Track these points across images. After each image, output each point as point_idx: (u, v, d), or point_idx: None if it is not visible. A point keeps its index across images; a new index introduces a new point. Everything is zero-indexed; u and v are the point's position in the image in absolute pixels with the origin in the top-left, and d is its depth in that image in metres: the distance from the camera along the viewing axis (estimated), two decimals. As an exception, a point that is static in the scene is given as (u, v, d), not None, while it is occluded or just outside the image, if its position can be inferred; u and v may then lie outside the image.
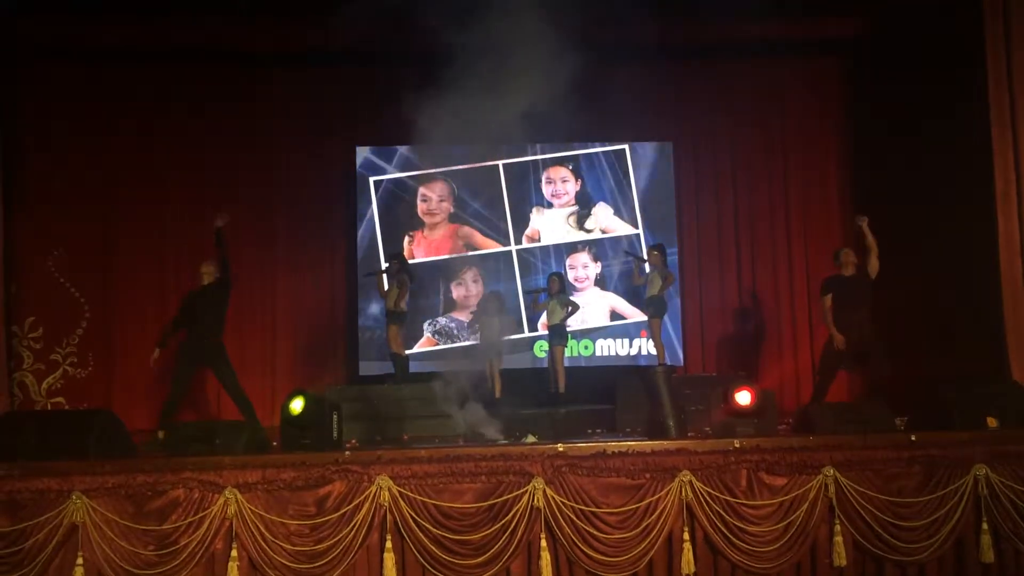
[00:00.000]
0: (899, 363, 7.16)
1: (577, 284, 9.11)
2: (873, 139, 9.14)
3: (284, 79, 9.17)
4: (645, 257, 8.29)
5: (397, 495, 5.12)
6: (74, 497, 4.98)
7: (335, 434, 6.03)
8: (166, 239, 9.01)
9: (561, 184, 9.34)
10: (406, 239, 9.16)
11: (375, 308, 8.90)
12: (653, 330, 8.12)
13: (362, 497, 5.10)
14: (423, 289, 8.92)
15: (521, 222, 9.25)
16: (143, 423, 8.02)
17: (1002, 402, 6.04)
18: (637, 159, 9.33)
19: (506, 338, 8.14)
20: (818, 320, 7.37)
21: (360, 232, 9.14)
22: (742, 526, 5.19)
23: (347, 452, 5.54)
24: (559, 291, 8.17)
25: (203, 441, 5.68)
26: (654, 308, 8.02)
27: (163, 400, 7.25)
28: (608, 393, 8.03)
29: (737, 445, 5.44)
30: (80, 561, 4.95)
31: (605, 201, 9.32)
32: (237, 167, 9.19)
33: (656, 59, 9.18)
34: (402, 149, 9.24)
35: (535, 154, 9.32)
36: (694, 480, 5.22)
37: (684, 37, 9.01)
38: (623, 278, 9.12)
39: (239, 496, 5.03)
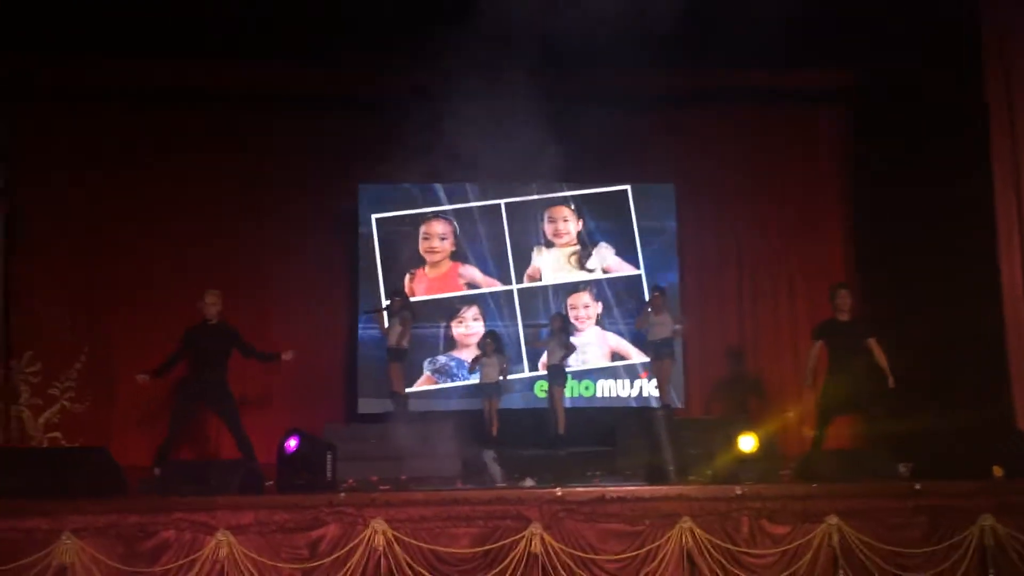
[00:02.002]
0: (902, 411, 7.08)
1: (578, 324, 9.06)
2: (873, 184, 9.16)
3: (286, 116, 9.19)
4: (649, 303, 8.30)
5: (392, 539, 5.05)
6: (64, 537, 4.91)
7: (329, 474, 5.95)
8: (166, 275, 8.99)
9: (563, 223, 9.34)
10: (407, 277, 9.14)
11: (376, 346, 8.84)
12: (662, 372, 8.09)
13: (356, 540, 5.03)
14: (424, 327, 8.88)
15: (522, 261, 9.22)
16: (141, 460, 7.92)
17: (1008, 451, 5.95)
18: (639, 200, 9.33)
19: (504, 378, 8.09)
20: (821, 365, 7.32)
21: (361, 269, 9.12)
22: (744, 576, 5.10)
23: (342, 494, 5.46)
24: (559, 331, 8.14)
25: (197, 481, 5.60)
26: (662, 350, 8.01)
27: (162, 437, 7.19)
28: (608, 435, 7.94)
29: (739, 492, 5.37)
30: (69, 602, 4.86)
31: (607, 241, 9.31)
32: (237, 203, 9.21)
33: (659, 104, 9.27)
34: (405, 187, 9.25)
35: (537, 193, 9.33)
36: (695, 527, 5.15)
37: (687, 84, 9.10)
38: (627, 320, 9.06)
39: (231, 538, 4.96)
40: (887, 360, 6.92)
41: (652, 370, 8.30)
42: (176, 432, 7.12)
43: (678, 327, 8.27)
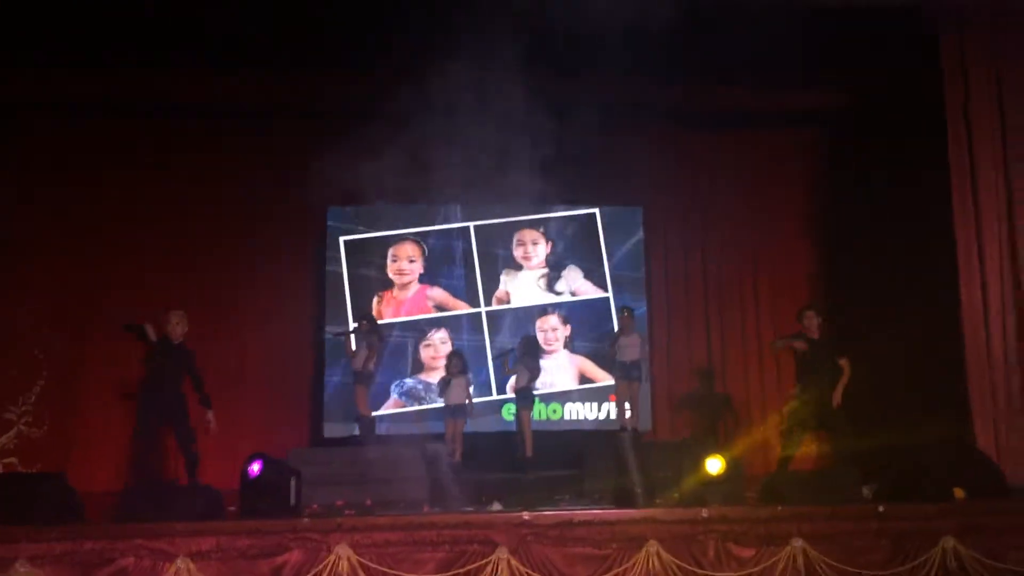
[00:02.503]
0: (867, 430, 7.15)
1: (546, 346, 9.06)
2: (842, 208, 9.29)
3: (254, 135, 9.15)
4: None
5: (357, 564, 4.98)
6: (18, 564, 4.79)
7: (293, 499, 5.86)
8: (131, 294, 8.86)
9: (532, 246, 9.36)
10: (375, 299, 9.10)
11: (341, 369, 8.77)
12: (631, 394, 8.10)
13: (320, 567, 4.96)
14: (391, 350, 8.82)
15: (491, 284, 9.23)
16: (99, 485, 7.79)
17: (968, 472, 6.02)
18: (608, 223, 9.38)
19: (469, 400, 8.04)
20: (787, 386, 7.38)
21: (328, 291, 9.06)
22: (710, 600, 5.09)
23: (306, 519, 5.38)
24: (527, 354, 8.12)
25: (156, 505, 5.50)
26: (631, 372, 8.02)
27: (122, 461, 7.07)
28: (576, 458, 7.91)
29: (705, 515, 5.36)
30: (21, 633, 4.74)
31: (575, 264, 9.33)
32: (205, 222, 9.12)
33: (629, 124, 9.33)
34: (372, 208, 9.23)
35: (506, 216, 9.35)
36: (661, 551, 5.14)
37: (657, 104, 9.16)
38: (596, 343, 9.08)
39: (191, 565, 4.87)
40: (846, 381, 7.02)
41: (619, 392, 8.29)
42: (147, 448, 7.01)
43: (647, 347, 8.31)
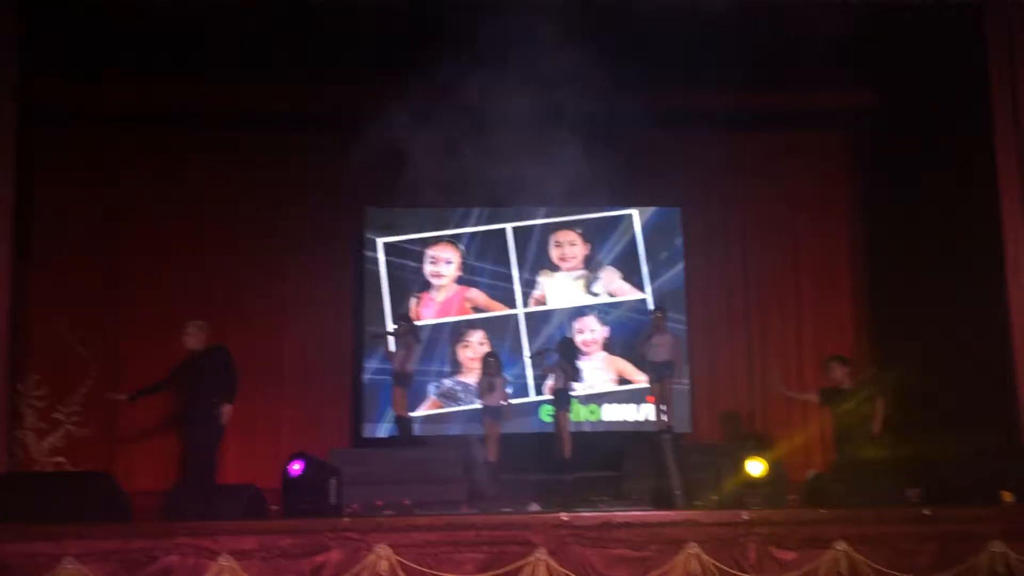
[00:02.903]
0: (912, 433, 7.03)
1: (585, 348, 9.04)
2: (883, 208, 9.15)
3: (294, 140, 9.25)
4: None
5: (396, 564, 4.99)
6: (66, 562, 4.88)
7: (333, 499, 5.91)
8: (173, 298, 9.01)
9: (569, 247, 9.35)
10: (413, 300, 9.15)
11: (380, 369, 8.83)
12: (664, 393, 8.05)
13: (359, 566, 4.98)
14: (429, 351, 8.87)
15: (529, 285, 9.23)
16: (145, 485, 7.92)
17: (1017, 476, 5.89)
18: (646, 224, 9.33)
19: (506, 402, 8.04)
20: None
21: (367, 293, 9.12)
22: (751, 603, 5.03)
23: (346, 518, 5.42)
24: (565, 355, 8.11)
25: (201, 505, 5.58)
26: (663, 371, 7.99)
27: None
28: (615, 459, 7.89)
29: (746, 517, 5.30)
30: (69, 629, 4.83)
31: (613, 265, 9.30)
32: (244, 227, 9.24)
33: (666, 126, 9.27)
34: (411, 210, 9.29)
35: (543, 217, 9.34)
36: (701, 553, 5.09)
37: (694, 106, 9.10)
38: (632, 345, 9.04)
39: (234, 564, 4.92)
40: (881, 417, 6.91)
41: (654, 393, 8.25)
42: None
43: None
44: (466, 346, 9.10)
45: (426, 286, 9.20)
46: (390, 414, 8.48)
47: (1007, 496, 5.69)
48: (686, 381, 8.95)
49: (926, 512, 5.36)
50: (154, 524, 5.36)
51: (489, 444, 7.85)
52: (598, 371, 9.05)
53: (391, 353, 8.25)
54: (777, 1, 7.24)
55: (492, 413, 7.96)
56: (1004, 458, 6.37)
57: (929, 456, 6.57)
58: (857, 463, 6.75)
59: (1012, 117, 7.12)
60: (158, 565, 4.93)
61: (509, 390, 8.18)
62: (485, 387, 8.04)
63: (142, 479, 8.06)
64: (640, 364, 8.86)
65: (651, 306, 9.08)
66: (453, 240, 9.28)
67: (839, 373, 7.12)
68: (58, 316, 8.65)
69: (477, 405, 8.54)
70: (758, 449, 6.59)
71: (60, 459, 8.51)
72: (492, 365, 8.09)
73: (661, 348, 8.18)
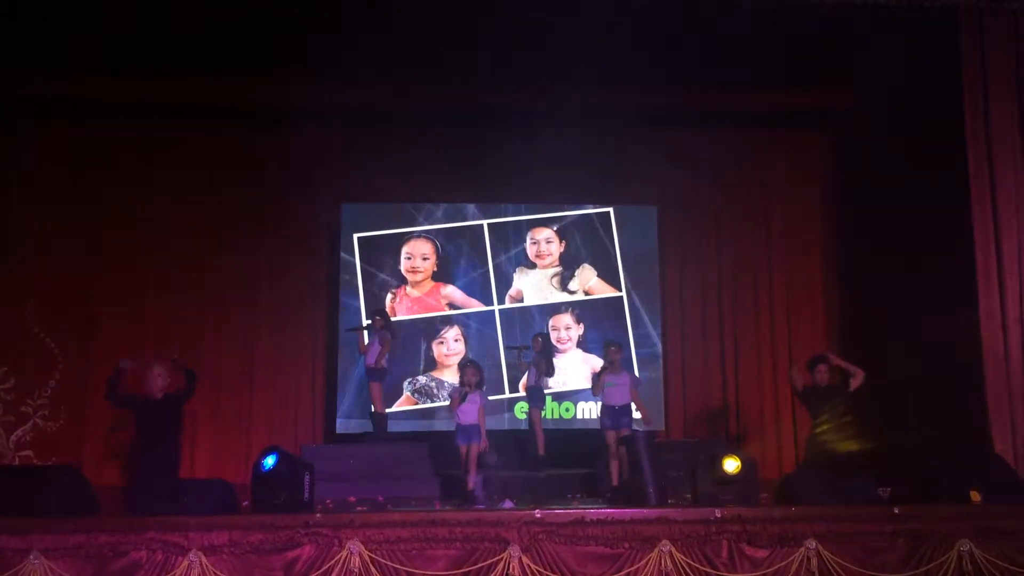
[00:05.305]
0: (883, 433, 7.09)
1: (559, 345, 9.04)
2: (858, 208, 9.22)
3: (269, 135, 9.15)
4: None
5: (368, 561, 4.98)
6: (32, 556, 4.81)
7: (306, 495, 5.87)
8: (145, 292, 8.92)
9: (545, 245, 9.33)
10: (388, 296, 9.10)
11: (355, 365, 8.78)
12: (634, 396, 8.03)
13: (332, 562, 4.96)
14: (404, 347, 8.82)
15: (504, 282, 9.20)
16: (113, 479, 7.84)
17: (985, 475, 5.97)
18: (622, 222, 9.34)
19: (480, 425, 6.84)
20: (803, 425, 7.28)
21: (342, 288, 9.07)
22: (723, 600, 5.06)
23: (318, 514, 5.39)
24: (540, 352, 8.09)
25: (170, 500, 5.52)
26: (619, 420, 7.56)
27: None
28: (588, 457, 7.90)
29: (719, 515, 5.34)
30: (35, 624, 4.76)
31: (589, 263, 9.31)
32: (220, 221, 9.16)
33: (643, 125, 9.32)
34: (387, 206, 9.24)
35: (520, 214, 9.33)
36: (674, 551, 5.12)
37: (672, 105, 9.14)
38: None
39: (204, 559, 4.87)
40: (859, 382, 6.90)
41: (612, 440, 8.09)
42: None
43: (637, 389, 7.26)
44: (441, 342, 9.07)
45: (402, 282, 9.15)
46: (365, 410, 8.42)
47: (976, 496, 5.76)
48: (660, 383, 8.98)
49: (896, 511, 5.42)
50: (122, 519, 5.30)
51: (468, 467, 6.71)
52: (573, 369, 9.04)
53: (366, 348, 8.20)
54: (755, 3, 7.27)
55: (470, 434, 6.72)
56: (973, 458, 6.44)
57: (899, 455, 6.62)
58: (829, 462, 6.79)
59: (983, 120, 7.22)
60: (126, 560, 4.89)
61: (485, 403, 6.95)
62: (464, 400, 6.78)
63: (110, 473, 7.97)
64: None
65: (626, 303, 9.09)
66: (429, 236, 9.24)
67: (824, 376, 7.10)
68: (23, 305, 8.53)
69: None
70: (732, 447, 6.64)
71: (27, 453, 8.39)
72: (472, 375, 6.87)
73: (617, 389, 7.00)
